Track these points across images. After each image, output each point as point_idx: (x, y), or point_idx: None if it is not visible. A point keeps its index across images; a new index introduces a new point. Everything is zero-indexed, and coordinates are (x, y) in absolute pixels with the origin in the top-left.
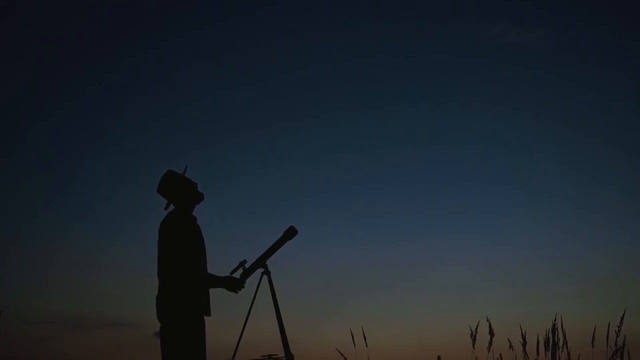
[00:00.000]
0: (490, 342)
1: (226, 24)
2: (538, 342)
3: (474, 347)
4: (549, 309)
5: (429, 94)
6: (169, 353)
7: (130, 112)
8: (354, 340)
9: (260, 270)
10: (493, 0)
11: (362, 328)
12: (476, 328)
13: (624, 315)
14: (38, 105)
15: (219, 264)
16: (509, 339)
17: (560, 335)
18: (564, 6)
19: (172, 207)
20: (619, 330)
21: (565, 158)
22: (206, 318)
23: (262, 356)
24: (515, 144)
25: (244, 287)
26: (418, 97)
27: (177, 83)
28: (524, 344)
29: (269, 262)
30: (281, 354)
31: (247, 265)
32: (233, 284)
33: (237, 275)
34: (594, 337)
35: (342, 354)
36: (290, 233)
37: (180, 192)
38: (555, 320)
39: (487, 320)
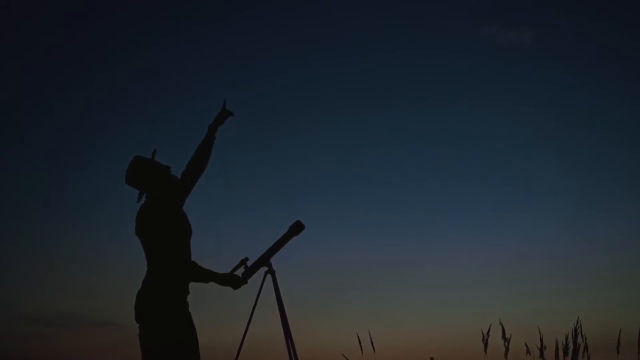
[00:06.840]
0: (507, 348)
1: (226, 23)
2: (557, 348)
3: (485, 352)
4: (566, 311)
5: (423, 93)
6: (157, 354)
7: (131, 112)
8: (361, 346)
9: (264, 269)
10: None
11: (369, 332)
12: (488, 332)
13: None
14: (38, 105)
15: (218, 262)
16: (525, 344)
17: (581, 340)
18: (559, 5)
19: (144, 198)
20: None
21: (565, 155)
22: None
23: None
24: (513, 142)
25: (246, 283)
26: (413, 96)
27: (176, 81)
28: (542, 348)
29: (273, 260)
30: None
31: (249, 264)
32: (235, 282)
33: (238, 274)
34: (619, 342)
35: None
36: (297, 228)
37: (153, 177)
38: (576, 324)
39: (500, 324)
